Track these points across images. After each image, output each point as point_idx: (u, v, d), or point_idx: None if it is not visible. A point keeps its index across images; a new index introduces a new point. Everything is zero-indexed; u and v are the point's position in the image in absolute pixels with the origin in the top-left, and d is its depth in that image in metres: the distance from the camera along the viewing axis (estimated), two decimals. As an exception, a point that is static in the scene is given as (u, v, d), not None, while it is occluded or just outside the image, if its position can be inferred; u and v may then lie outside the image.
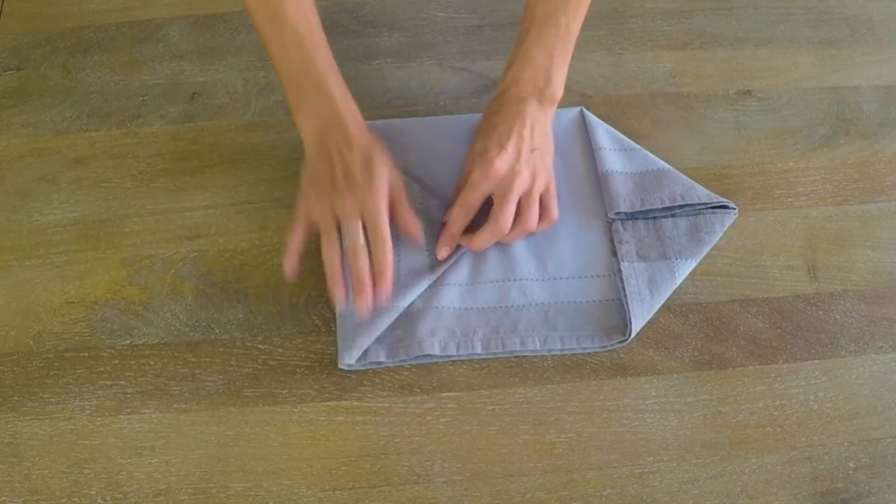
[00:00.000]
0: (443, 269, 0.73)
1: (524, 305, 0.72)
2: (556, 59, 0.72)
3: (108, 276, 0.74)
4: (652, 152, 0.81)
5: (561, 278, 0.73)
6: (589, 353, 0.72)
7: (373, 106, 0.82)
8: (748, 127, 0.84)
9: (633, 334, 0.70)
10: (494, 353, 0.71)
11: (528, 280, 0.73)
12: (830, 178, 0.81)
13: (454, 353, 0.70)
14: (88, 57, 0.86)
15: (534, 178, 0.70)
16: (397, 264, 0.73)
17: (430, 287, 0.72)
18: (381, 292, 0.67)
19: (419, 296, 0.72)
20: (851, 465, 0.68)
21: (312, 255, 0.75)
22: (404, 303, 0.70)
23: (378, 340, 0.70)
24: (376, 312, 0.69)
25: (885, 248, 0.78)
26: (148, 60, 0.86)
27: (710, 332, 0.73)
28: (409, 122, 0.81)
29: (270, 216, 0.77)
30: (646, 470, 0.67)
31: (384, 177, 0.69)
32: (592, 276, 0.73)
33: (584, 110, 0.82)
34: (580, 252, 0.75)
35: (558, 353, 0.71)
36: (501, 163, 0.69)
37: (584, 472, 0.67)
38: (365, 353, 0.69)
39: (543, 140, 0.73)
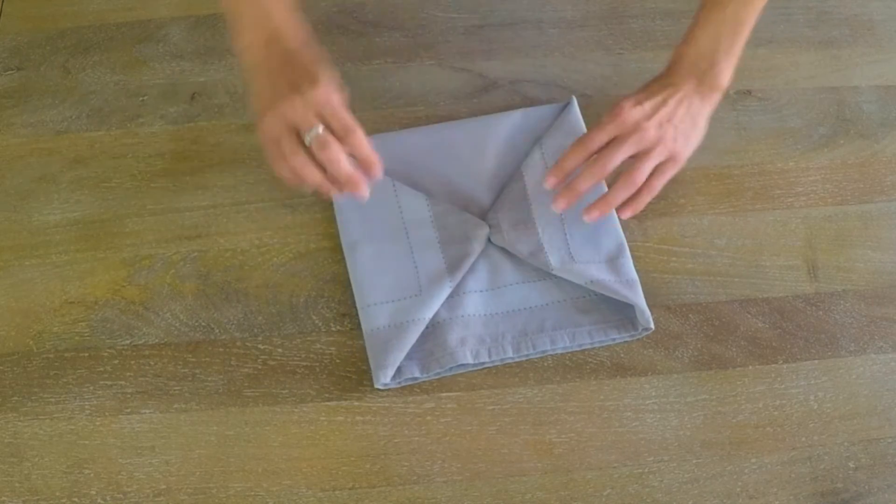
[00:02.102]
0: (461, 273, 0.72)
1: (548, 304, 0.72)
2: (723, 44, 0.71)
3: (108, 276, 0.74)
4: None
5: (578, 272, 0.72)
6: (589, 353, 0.72)
7: (373, 106, 0.82)
8: (748, 127, 0.84)
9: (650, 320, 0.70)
10: (527, 355, 0.70)
11: (545, 280, 0.73)
12: (830, 178, 0.81)
13: (487, 360, 0.70)
14: (88, 57, 0.86)
15: (660, 142, 0.69)
16: (415, 271, 0.72)
17: (452, 296, 0.72)
18: (374, 176, 0.65)
19: (442, 305, 0.71)
20: (851, 465, 0.68)
21: (311, 256, 0.75)
22: (429, 314, 0.70)
23: (409, 356, 0.69)
24: (403, 327, 0.69)
25: (885, 248, 0.78)
26: (148, 60, 0.86)
27: (710, 332, 0.73)
28: (408, 133, 0.80)
29: (270, 216, 0.77)
30: (646, 470, 0.67)
31: (329, 78, 0.65)
32: (606, 263, 0.73)
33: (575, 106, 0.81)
34: (594, 241, 0.74)
35: (589, 346, 0.71)
36: (632, 112, 0.69)
37: (584, 472, 0.67)
38: (399, 370, 0.69)
39: (690, 123, 0.71)
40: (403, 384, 0.69)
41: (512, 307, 0.72)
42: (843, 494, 0.67)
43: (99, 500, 0.65)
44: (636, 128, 0.69)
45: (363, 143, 0.64)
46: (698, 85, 0.71)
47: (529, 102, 0.83)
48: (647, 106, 0.69)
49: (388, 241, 0.74)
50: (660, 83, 0.72)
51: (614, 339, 0.71)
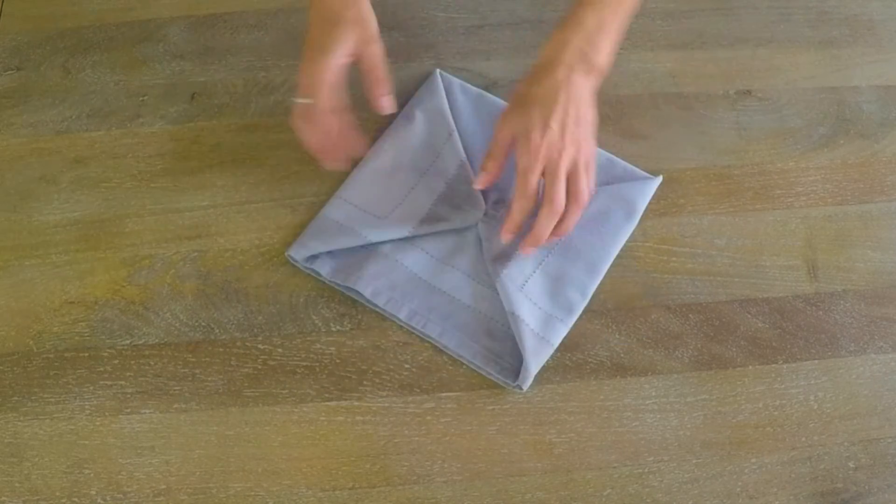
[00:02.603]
0: (427, 229, 0.74)
1: (469, 306, 0.72)
2: (606, 25, 0.70)
3: (108, 276, 0.74)
4: (652, 152, 0.81)
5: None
6: (589, 353, 0.72)
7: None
8: (748, 127, 0.84)
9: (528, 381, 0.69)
10: (411, 327, 0.71)
11: (485, 287, 0.73)
12: (830, 178, 0.81)
13: (380, 305, 0.72)
14: (88, 57, 0.86)
15: (578, 150, 0.69)
16: (399, 203, 0.76)
17: (404, 241, 0.74)
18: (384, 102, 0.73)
19: (391, 243, 0.74)
20: (851, 465, 0.68)
21: (311, 256, 0.75)
22: (374, 238, 0.73)
23: (332, 255, 0.73)
24: (345, 231, 0.73)
25: (885, 248, 0.78)
26: (148, 60, 0.86)
27: (710, 332, 0.73)
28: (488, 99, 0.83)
29: (270, 216, 0.77)
30: (646, 470, 0.67)
31: (343, 44, 0.69)
32: (542, 314, 0.72)
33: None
34: (555, 291, 0.73)
35: (466, 361, 0.70)
36: (548, 143, 0.68)
37: (584, 472, 0.67)
38: (314, 257, 0.73)
39: (586, 111, 0.70)
40: (308, 271, 0.73)
41: (442, 287, 0.73)
42: (843, 494, 0.67)
43: (99, 500, 0.65)
44: (558, 153, 0.68)
45: (331, 125, 0.71)
46: (584, 72, 0.69)
47: (529, 102, 0.83)
48: (555, 125, 0.68)
49: (406, 169, 0.77)
50: (545, 85, 0.69)
51: (488, 373, 0.70)
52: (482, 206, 0.75)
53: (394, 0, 0.90)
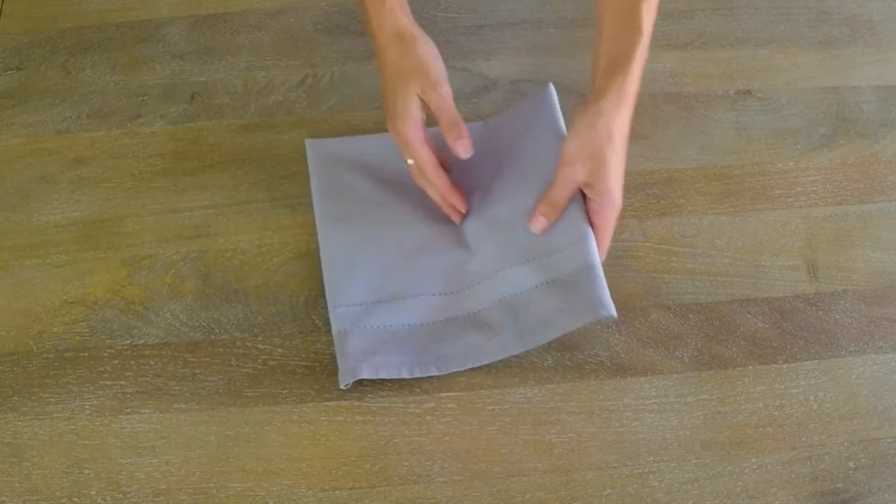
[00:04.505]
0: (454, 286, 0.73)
1: (446, 320, 0.72)
2: (637, 57, 0.70)
3: (108, 276, 0.74)
4: (652, 152, 0.81)
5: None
6: (589, 353, 0.72)
7: (373, 106, 0.82)
8: (748, 127, 0.84)
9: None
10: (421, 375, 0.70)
11: (455, 292, 0.73)
12: (830, 178, 0.81)
13: (382, 376, 0.69)
14: (88, 57, 0.86)
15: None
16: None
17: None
18: (457, 212, 0.73)
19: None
20: (851, 465, 0.68)
21: (311, 256, 0.75)
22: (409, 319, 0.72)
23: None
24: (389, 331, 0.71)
25: (885, 248, 0.78)
26: (148, 60, 0.86)
27: (710, 332, 0.73)
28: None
29: (270, 216, 0.77)
30: (646, 470, 0.67)
31: (411, 101, 0.69)
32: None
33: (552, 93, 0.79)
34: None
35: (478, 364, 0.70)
36: (620, 201, 0.69)
37: (584, 472, 0.67)
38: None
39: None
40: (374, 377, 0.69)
41: (413, 320, 0.72)
42: (843, 494, 0.67)
43: (99, 500, 0.65)
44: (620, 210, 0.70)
45: (443, 183, 0.71)
46: (625, 110, 0.69)
47: (529, 102, 0.83)
48: (621, 178, 0.69)
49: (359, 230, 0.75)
50: (601, 132, 0.68)
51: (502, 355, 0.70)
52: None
53: (394, 0, 0.90)
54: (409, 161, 0.72)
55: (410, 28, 0.71)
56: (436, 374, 0.69)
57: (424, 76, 0.70)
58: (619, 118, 0.68)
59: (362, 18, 0.73)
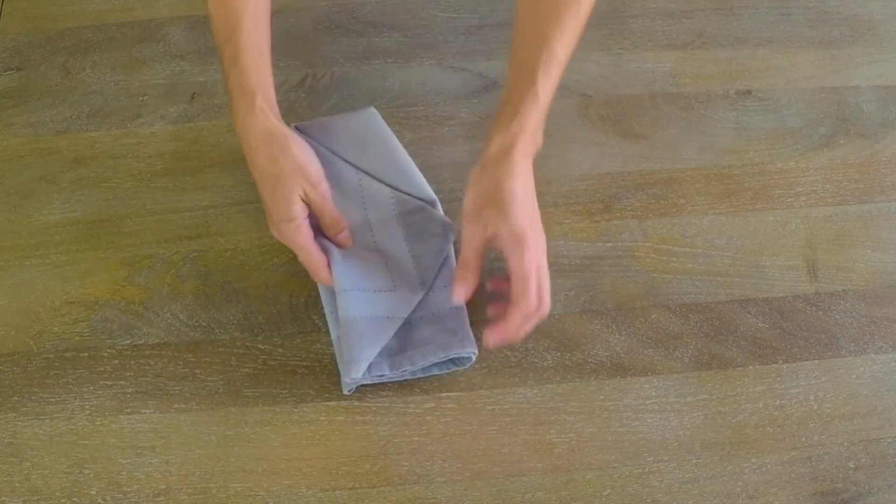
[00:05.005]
0: (429, 276, 0.72)
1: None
2: (548, 99, 0.67)
3: (108, 276, 0.74)
4: (652, 152, 0.81)
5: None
6: (589, 353, 0.72)
7: (373, 106, 0.82)
8: (748, 127, 0.84)
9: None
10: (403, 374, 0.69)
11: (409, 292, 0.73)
12: (830, 178, 0.81)
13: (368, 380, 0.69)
14: (88, 57, 0.86)
15: (544, 245, 0.67)
16: (385, 267, 0.72)
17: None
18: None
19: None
20: (851, 465, 0.68)
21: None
22: (406, 313, 0.70)
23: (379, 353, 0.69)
24: (380, 322, 0.69)
25: (885, 248, 0.78)
26: (148, 60, 0.86)
27: (710, 332, 0.73)
28: (339, 118, 0.80)
29: (270, 216, 0.77)
30: (646, 470, 0.67)
31: (295, 204, 0.68)
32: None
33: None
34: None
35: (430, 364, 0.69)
36: (539, 247, 0.66)
37: (584, 472, 0.67)
38: (369, 366, 0.68)
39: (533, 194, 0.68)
40: (374, 381, 0.68)
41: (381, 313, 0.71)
42: (843, 494, 0.67)
43: (99, 500, 0.65)
44: (542, 255, 0.66)
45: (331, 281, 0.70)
46: (530, 150, 0.67)
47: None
48: (537, 225, 0.67)
49: (358, 233, 0.74)
50: (519, 179, 0.66)
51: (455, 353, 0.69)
52: (440, 209, 0.74)
53: (394, 0, 0.90)
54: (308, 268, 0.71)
55: (281, 128, 0.69)
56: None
57: (304, 178, 0.69)
58: (506, 166, 0.66)
59: (228, 113, 0.71)
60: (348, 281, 0.70)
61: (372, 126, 0.79)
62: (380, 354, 0.68)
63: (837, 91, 0.86)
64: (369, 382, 0.69)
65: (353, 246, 0.73)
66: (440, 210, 0.75)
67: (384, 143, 0.78)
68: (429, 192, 0.76)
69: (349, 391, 0.68)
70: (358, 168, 0.76)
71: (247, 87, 0.68)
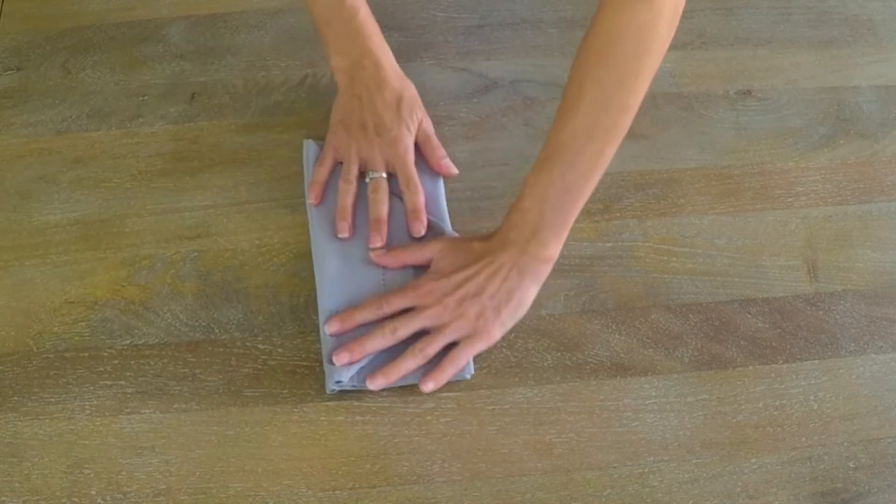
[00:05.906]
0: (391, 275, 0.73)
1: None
2: (549, 212, 0.67)
3: (108, 276, 0.74)
4: (652, 152, 0.81)
5: None
6: (589, 353, 0.72)
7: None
8: (748, 127, 0.84)
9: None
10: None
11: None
12: (830, 178, 0.81)
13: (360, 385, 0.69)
14: (88, 57, 0.86)
15: (459, 318, 0.68)
16: (382, 281, 0.73)
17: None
18: (417, 226, 0.73)
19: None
20: (851, 465, 0.68)
21: (312, 256, 0.75)
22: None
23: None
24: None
25: (885, 248, 0.78)
26: (148, 60, 0.86)
27: (710, 332, 0.73)
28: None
29: (270, 216, 0.77)
30: (646, 470, 0.67)
31: (413, 121, 0.73)
32: None
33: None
34: None
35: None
36: (434, 285, 0.68)
37: (584, 472, 0.67)
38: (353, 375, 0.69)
39: (505, 297, 0.68)
40: (357, 387, 0.68)
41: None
42: (843, 494, 0.67)
43: (99, 500, 0.65)
44: (436, 301, 0.68)
45: (420, 201, 0.74)
46: (520, 255, 0.68)
47: (529, 102, 0.83)
48: (454, 279, 0.68)
49: (356, 246, 0.74)
50: (478, 251, 0.69)
51: None
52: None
53: (394, 0, 0.90)
54: (382, 174, 0.75)
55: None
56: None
57: (419, 106, 0.77)
58: (504, 256, 0.69)
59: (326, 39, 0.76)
60: (332, 301, 0.71)
61: None
62: (366, 367, 0.69)
63: (837, 91, 0.86)
64: (348, 388, 0.69)
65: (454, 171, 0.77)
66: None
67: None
68: (447, 223, 0.76)
69: (336, 386, 0.68)
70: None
71: (375, 27, 0.77)
